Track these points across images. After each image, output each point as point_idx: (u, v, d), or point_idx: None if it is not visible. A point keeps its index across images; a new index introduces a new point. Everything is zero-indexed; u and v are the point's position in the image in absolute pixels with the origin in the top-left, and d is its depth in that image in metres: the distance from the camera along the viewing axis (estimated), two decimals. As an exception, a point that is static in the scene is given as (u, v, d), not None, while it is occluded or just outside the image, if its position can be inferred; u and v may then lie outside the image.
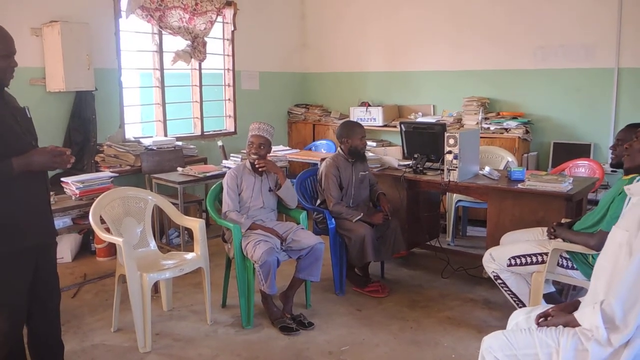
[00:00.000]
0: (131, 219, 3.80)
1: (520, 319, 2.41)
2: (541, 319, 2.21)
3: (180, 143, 6.06)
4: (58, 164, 2.56)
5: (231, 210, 3.83)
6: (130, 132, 6.04)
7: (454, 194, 5.17)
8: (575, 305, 2.25)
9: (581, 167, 5.07)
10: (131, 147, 5.58)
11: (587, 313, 2.01)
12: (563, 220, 3.52)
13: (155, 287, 4.09)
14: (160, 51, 6.17)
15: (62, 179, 4.15)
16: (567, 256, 3.26)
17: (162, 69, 6.21)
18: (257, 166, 3.89)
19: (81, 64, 5.15)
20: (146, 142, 5.79)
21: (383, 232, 4.27)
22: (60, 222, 4.31)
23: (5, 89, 2.54)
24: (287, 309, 3.83)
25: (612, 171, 4.90)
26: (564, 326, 2.11)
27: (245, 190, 3.91)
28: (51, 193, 3.61)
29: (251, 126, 3.98)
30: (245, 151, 4.18)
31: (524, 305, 3.44)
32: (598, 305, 1.96)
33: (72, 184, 4.03)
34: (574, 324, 2.08)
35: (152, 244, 3.89)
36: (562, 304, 2.32)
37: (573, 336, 2.04)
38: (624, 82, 5.55)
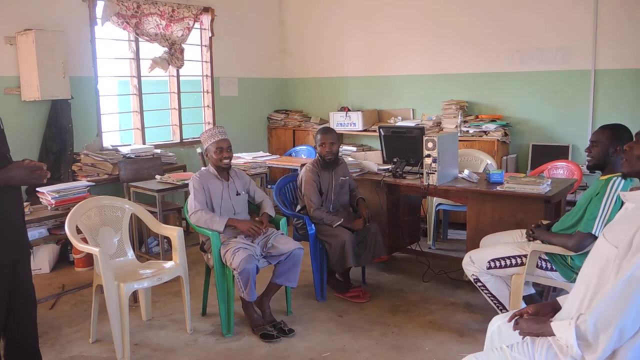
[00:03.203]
0: (108, 228, 3.75)
1: (499, 323, 2.39)
2: (516, 317, 2.18)
3: (158, 151, 6.01)
4: (36, 179, 2.53)
5: (200, 210, 3.73)
6: (108, 141, 5.97)
7: (434, 198, 5.18)
8: (554, 306, 2.22)
9: (560, 169, 5.12)
10: (109, 155, 5.52)
11: (563, 327, 1.96)
12: (543, 222, 3.53)
13: (134, 297, 4.04)
14: (137, 58, 6.12)
15: (37, 188, 4.08)
16: (546, 258, 3.28)
17: (139, 77, 6.15)
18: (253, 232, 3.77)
19: (57, 73, 5.08)
20: (124, 150, 5.73)
21: (363, 237, 4.26)
22: (36, 232, 4.25)
23: None
24: (267, 318, 3.79)
25: (590, 172, 4.93)
26: (537, 336, 2.07)
27: (214, 197, 3.84)
28: (26, 204, 3.57)
29: (206, 134, 3.90)
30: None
31: (504, 308, 3.45)
32: (574, 321, 1.91)
33: (47, 194, 3.96)
34: (549, 334, 2.02)
35: (130, 253, 3.84)
36: (540, 304, 2.28)
37: (548, 350, 2.00)
38: (601, 83, 5.61)
